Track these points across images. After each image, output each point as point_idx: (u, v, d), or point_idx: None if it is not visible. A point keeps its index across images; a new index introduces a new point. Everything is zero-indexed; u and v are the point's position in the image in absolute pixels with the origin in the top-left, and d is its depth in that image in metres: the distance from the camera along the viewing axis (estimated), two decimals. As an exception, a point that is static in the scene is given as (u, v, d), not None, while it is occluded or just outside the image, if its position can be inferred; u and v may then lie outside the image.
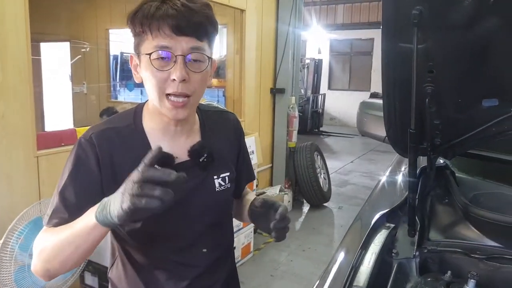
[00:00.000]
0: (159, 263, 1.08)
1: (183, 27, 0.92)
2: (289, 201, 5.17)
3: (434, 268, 1.31)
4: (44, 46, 7.17)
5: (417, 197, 1.42)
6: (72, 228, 0.91)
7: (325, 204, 5.47)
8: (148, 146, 1.02)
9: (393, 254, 1.31)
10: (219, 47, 5.64)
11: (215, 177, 1.11)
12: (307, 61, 11.90)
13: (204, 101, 4.11)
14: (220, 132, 1.17)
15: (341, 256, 1.26)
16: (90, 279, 2.86)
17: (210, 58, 0.99)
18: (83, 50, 6.64)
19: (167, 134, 1.06)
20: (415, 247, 1.29)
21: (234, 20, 4.65)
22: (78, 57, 6.70)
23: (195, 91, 0.97)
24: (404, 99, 1.19)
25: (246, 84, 4.72)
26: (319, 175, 5.47)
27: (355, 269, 1.15)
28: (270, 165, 5.34)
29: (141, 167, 0.78)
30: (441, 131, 1.31)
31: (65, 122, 6.77)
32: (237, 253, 3.76)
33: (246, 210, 1.18)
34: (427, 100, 1.20)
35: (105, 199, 0.85)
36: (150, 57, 0.93)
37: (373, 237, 1.31)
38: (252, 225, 3.95)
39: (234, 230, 3.63)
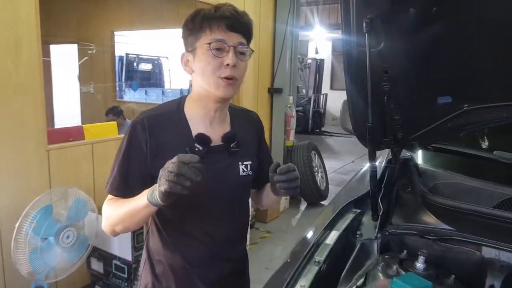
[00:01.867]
0: (190, 231, 1.29)
1: (235, 25, 1.19)
2: (286, 199, 5.31)
3: (395, 249, 1.45)
4: (53, 48, 7.37)
5: (383, 186, 1.58)
6: (130, 205, 1.17)
7: (322, 202, 5.57)
8: (188, 129, 1.27)
9: (357, 235, 1.46)
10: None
11: (239, 163, 1.33)
12: (309, 61, 11.94)
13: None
14: (245, 126, 1.40)
15: (308, 235, 1.41)
16: (96, 265, 3.05)
17: (252, 51, 1.25)
18: (90, 51, 6.83)
19: (205, 119, 1.29)
20: (377, 229, 1.44)
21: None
22: (85, 58, 6.90)
23: (240, 76, 1.23)
24: (364, 96, 1.33)
25: (244, 83, 4.82)
26: (316, 173, 5.57)
27: (317, 245, 1.31)
28: (268, 163, 5.46)
29: (177, 160, 1.00)
30: (402, 126, 1.46)
31: (74, 120, 6.98)
32: (234, 246, 3.91)
33: (269, 187, 1.33)
34: (385, 97, 1.35)
35: (155, 185, 1.08)
36: (209, 46, 1.17)
37: (339, 220, 1.47)
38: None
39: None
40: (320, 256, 1.26)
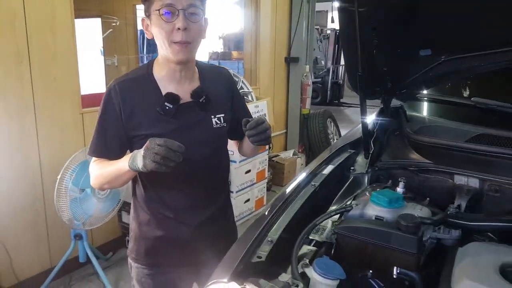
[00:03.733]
0: (171, 183, 1.38)
1: None
2: (302, 164, 5.55)
3: (383, 182, 1.70)
4: (77, 22, 7.61)
5: (375, 130, 1.82)
6: (113, 168, 1.28)
7: (336, 166, 5.75)
8: (158, 89, 1.33)
9: (351, 170, 1.71)
10: (237, 20, 5.91)
11: (212, 116, 1.39)
12: (328, 31, 11.84)
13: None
14: (215, 82, 1.45)
15: (306, 169, 1.67)
16: (126, 218, 3.35)
17: (203, 12, 1.28)
18: (113, 24, 7.05)
19: (173, 79, 1.35)
20: (367, 165, 1.70)
21: (250, -8, 4.95)
22: (110, 30, 7.10)
23: (194, 39, 1.27)
24: (356, 51, 1.55)
25: (261, 53, 5.03)
26: (331, 140, 5.76)
27: (314, 174, 1.57)
28: (284, 130, 5.70)
29: (164, 145, 1.10)
30: (390, 76, 1.69)
31: (99, 90, 7.28)
32: (251, 205, 4.22)
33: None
34: (374, 51, 1.58)
35: (135, 152, 1.19)
36: (159, 12, 1.21)
37: (336, 157, 1.73)
38: (265, 181, 4.39)
39: (248, 184, 4.10)
40: (316, 181, 1.52)
